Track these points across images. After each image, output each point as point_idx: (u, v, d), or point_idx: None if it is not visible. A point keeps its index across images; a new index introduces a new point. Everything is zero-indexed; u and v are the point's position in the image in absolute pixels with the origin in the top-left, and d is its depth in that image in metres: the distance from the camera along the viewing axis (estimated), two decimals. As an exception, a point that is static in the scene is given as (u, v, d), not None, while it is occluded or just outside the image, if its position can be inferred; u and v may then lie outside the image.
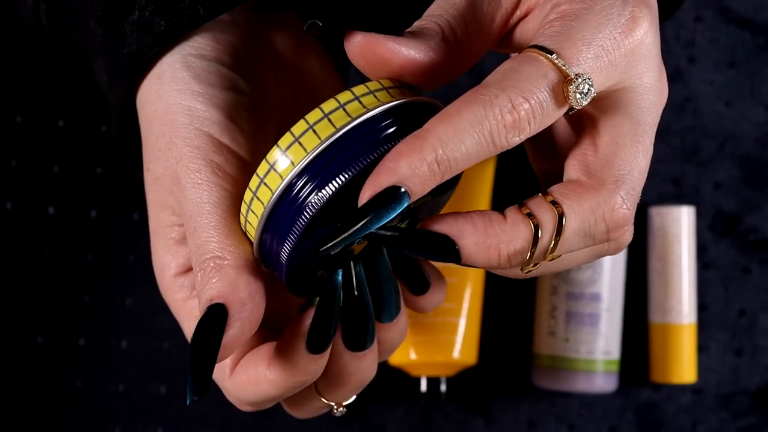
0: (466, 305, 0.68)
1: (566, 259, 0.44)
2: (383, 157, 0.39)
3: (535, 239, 0.40)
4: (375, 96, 0.41)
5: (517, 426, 0.71)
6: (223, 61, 0.48)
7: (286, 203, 0.41)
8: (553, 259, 0.41)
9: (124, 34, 0.48)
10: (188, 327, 0.48)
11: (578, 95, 0.40)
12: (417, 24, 0.43)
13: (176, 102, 0.47)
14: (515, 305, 0.71)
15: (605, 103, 0.42)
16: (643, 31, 0.42)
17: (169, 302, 0.49)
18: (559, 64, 0.40)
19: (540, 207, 0.40)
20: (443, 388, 0.68)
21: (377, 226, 0.39)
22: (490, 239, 0.40)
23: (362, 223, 0.39)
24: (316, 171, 0.40)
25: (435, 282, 0.51)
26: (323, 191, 0.40)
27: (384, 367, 0.70)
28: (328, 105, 0.41)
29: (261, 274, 0.45)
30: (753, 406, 0.71)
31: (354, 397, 0.50)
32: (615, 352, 0.69)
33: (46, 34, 0.54)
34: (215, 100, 0.47)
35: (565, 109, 0.40)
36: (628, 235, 0.43)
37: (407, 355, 0.67)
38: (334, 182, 0.40)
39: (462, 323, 0.67)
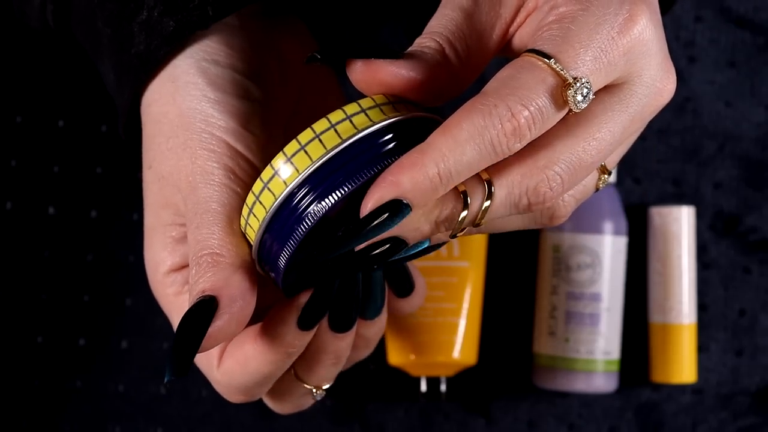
0: (466, 305, 0.68)
1: (499, 223, 0.45)
2: (385, 170, 0.39)
3: (465, 207, 0.41)
4: (381, 110, 0.41)
5: (517, 426, 0.71)
6: (236, 68, 0.48)
7: (288, 210, 0.41)
8: (479, 225, 0.42)
9: (132, 34, 0.48)
10: (178, 321, 0.49)
11: (577, 99, 0.40)
12: (417, 41, 0.43)
13: (191, 107, 0.47)
14: (515, 305, 0.71)
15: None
16: (640, 28, 0.41)
17: (160, 297, 0.50)
18: (557, 69, 0.40)
19: (470, 178, 0.41)
20: (443, 388, 0.68)
21: (377, 236, 0.40)
22: (426, 215, 0.41)
23: (363, 234, 0.39)
24: (319, 181, 0.40)
25: (417, 285, 0.52)
26: (324, 201, 0.40)
27: (384, 367, 0.70)
28: (335, 116, 0.41)
29: (255, 277, 0.45)
30: (753, 406, 0.71)
31: (332, 381, 0.51)
32: (615, 352, 0.69)
33: (51, 34, 0.54)
34: (230, 108, 0.47)
35: (564, 112, 0.41)
36: (560, 210, 0.44)
37: (407, 355, 0.67)
38: (335, 193, 0.40)
39: (462, 323, 0.67)
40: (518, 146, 0.40)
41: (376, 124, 0.41)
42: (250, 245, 0.45)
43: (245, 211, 0.43)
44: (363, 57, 0.42)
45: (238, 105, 0.47)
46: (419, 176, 0.39)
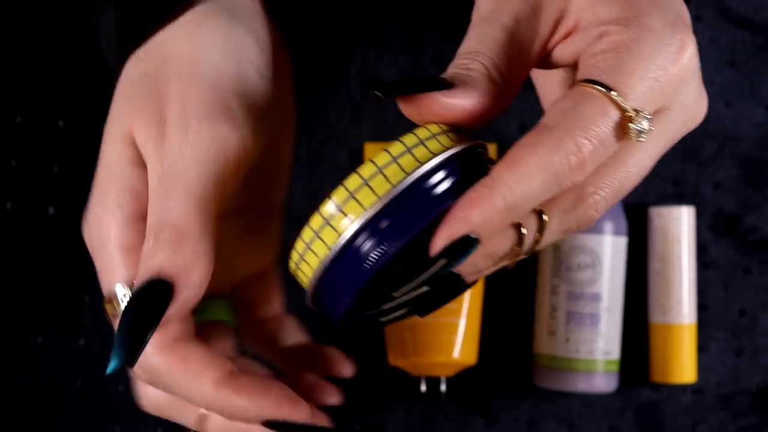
0: (466, 305, 0.68)
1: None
2: (446, 208, 0.39)
3: (521, 240, 0.41)
4: (438, 140, 0.41)
5: (517, 426, 0.71)
6: (260, 40, 0.46)
7: (346, 259, 0.40)
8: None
9: None
10: (110, 272, 0.44)
11: (638, 131, 0.40)
12: (462, 63, 0.42)
13: (207, 57, 0.45)
14: (515, 305, 0.71)
15: None
16: (689, 57, 0.42)
17: (99, 238, 0.45)
18: (620, 102, 0.40)
19: None
20: (443, 388, 0.68)
21: (445, 273, 0.40)
22: (485, 254, 0.41)
23: (435, 271, 0.39)
24: (377, 228, 0.40)
25: None
26: (386, 248, 0.39)
27: (384, 367, 0.70)
28: (381, 158, 0.40)
29: (213, 261, 0.43)
30: (753, 406, 0.71)
31: None
32: (615, 352, 0.69)
33: None
34: (243, 75, 0.45)
35: (621, 143, 0.41)
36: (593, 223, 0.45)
37: (407, 355, 0.67)
38: (404, 232, 0.39)
39: (462, 323, 0.67)
40: (580, 179, 0.40)
41: (438, 156, 0.40)
42: (295, 280, 0.43)
43: (295, 256, 0.41)
44: (418, 91, 0.41)
45: (251, 76, 0.45)
46: (488, 211, 0.39)
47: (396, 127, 0.70)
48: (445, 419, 0.71)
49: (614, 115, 0.40)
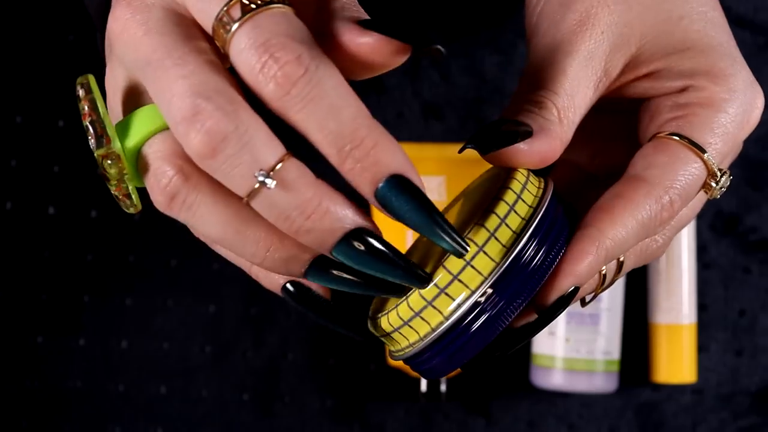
0: (466, 305, 0.68)
1: None
2: (552, 263, 0.41)
3: (603, 280, 0.44)
4: (528, 190, 0.41)
5: (517, 426, 0.71)
6: None
7: (457, 331, 0.40)
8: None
9: None
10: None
11: (720, 189, 0.43)
12: (535, 101, 0.43)
13: None
14: (515, 305, 0.71)
15: None
16: (758, 115, 0.45)
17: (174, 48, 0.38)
18: (710, 164, 0.42)
19: None
20: (443, 388, 0.68)
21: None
22: (575, 297, 0.43)
23: (546, 324, 0.41)
24: (495, 298, 0.40)
25: None
26: (503, 322, 0.40)
27: (384, 367, 0.70)
28: (492, 222, 0.40)
29: None
30: (753, 406, 0.71)
31: None
32: (615, 352, 0.69)
33: None
34: None
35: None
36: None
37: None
38: (512, 311, 0.40)
39: (462, 323, 0.67)
40: (661, 230, 0.42)
41: (539, 209, 0.41)
42: (376, 326, 0.42)
43: (404, 311, 0.41)
44: (507, 144, 0.42)
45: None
46: (594, 263, 0.41)
47: (396, 127, 0.70)
48: (445, 419, 0.71)
49: (704, 175, 0.42)
